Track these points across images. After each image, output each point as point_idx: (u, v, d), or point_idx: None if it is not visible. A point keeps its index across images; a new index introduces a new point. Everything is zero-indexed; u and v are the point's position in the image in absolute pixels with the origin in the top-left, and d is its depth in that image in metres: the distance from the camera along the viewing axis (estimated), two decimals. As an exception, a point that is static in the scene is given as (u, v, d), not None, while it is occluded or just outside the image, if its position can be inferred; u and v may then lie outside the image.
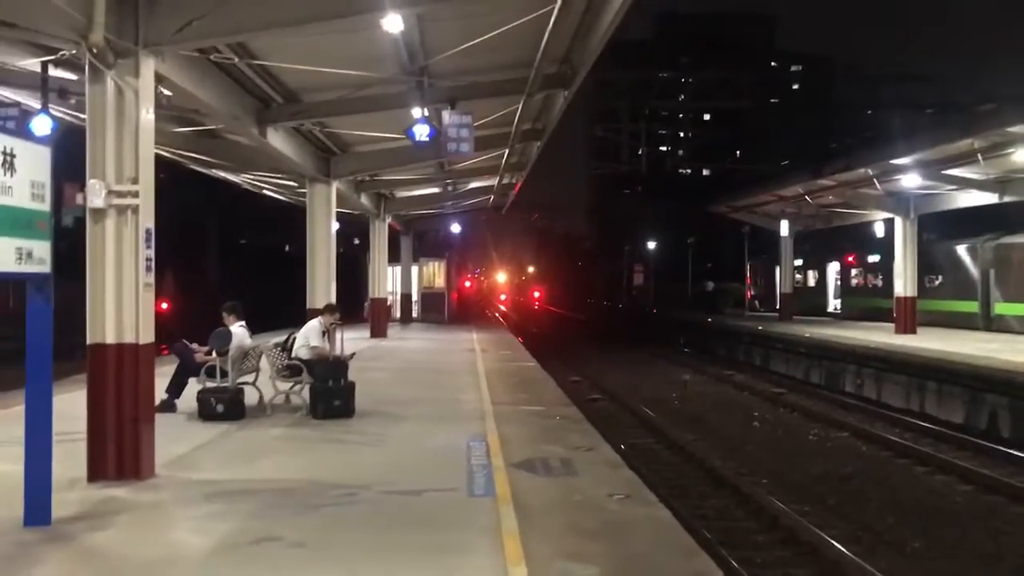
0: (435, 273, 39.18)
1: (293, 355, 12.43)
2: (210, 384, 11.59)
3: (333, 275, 18.67)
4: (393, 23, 9.61)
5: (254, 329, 14.53)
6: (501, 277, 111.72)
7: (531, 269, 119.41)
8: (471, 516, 7.01)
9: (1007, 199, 22.73)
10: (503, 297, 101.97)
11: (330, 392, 11.73)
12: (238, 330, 12.04)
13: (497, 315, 63.01)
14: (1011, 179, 21.97)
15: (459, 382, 15.99)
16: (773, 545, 9.89)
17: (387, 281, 30.65)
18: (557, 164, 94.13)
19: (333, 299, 18.57)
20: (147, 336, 8.05)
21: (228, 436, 10.38)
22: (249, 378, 12.35)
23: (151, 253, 8.11)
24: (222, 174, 22.50)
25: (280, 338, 13.37)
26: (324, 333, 12.72)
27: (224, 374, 11.64)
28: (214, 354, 11.68)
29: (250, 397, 12.02)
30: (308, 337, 12.46)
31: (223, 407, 11.36)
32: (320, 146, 18.22)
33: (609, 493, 7.82)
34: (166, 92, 9.91)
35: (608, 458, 9.57)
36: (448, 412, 12.36)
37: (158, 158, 8.85)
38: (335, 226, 19.87)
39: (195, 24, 8.05)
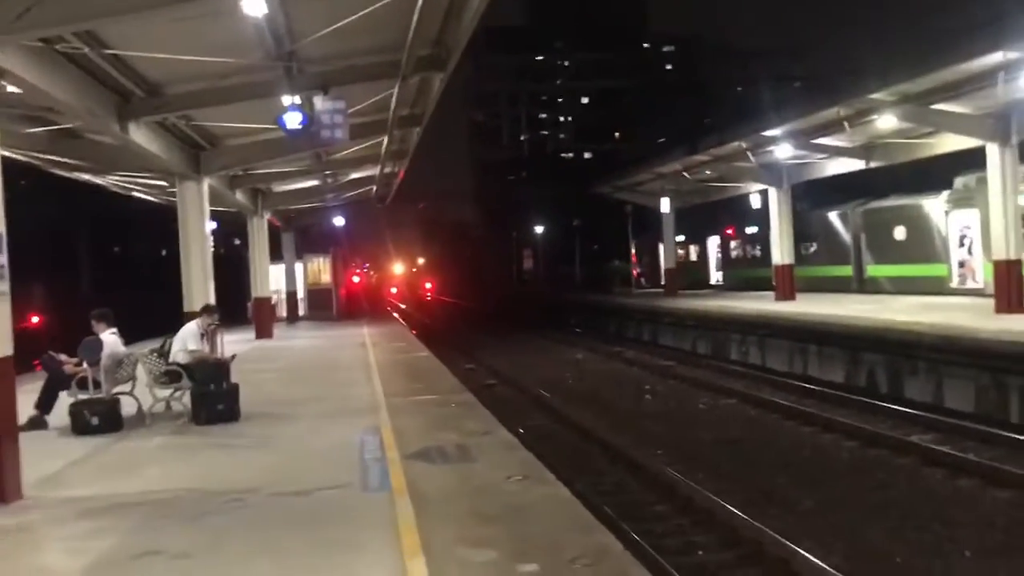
0: (321, 269, 38.33)
1: (171, 360, 11.85)
2: (82, 396, 10.93)
3: (210, 276, 17.93)
4: (254, 6, 9.20)
5: (134, 336, 13.87)
6: (391, 269, 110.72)
7: (421, 260, 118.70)
8: (366, 511, 6.78)
9: (873, 164, 23.66)
10: (394, 290, 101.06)
11: (212, 396, 11.23)
12: (109, 338, 11.40)
13: (389, 308, 62.31)
14: (875, 145, 22.88)
15: (350, 377, 15.61)
16: (672, 514, 9.98)
17: (270, 280, 29.74)
18: (441, 152, 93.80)
19: (212, 301, 17.89)
20: (4, 349, 7.48)
21: (105, 449, 9.81)
22: (125, 387, 11.70)
23: (4, 260, 7.52)
24: (86, 177, 21.32)
25: (156, 344, 12.71)
26: (203, 335, 12.16)
27: (97, 385, 11.01)
28: (85, 365, 11.02)
29: (128, 407, 11.40)
30: (185, 341, 11.89)
31: (98, 419, 10.73)
32: (188, 141, 17.43)
33: (507, 476, 7.69)
34: (10, 88, 9.22)
35: (505, 441, 9.46)
36: (339, 408, 12.02)
37: (12, 162, 8.25)
38: (210, 225, 19.10)
39: (34, 11, 7.47)
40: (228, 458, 9.18)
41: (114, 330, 11.59)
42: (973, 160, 21.10)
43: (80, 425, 10.68)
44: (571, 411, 16.48)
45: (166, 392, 11.89)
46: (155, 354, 12.01)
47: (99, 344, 11.13)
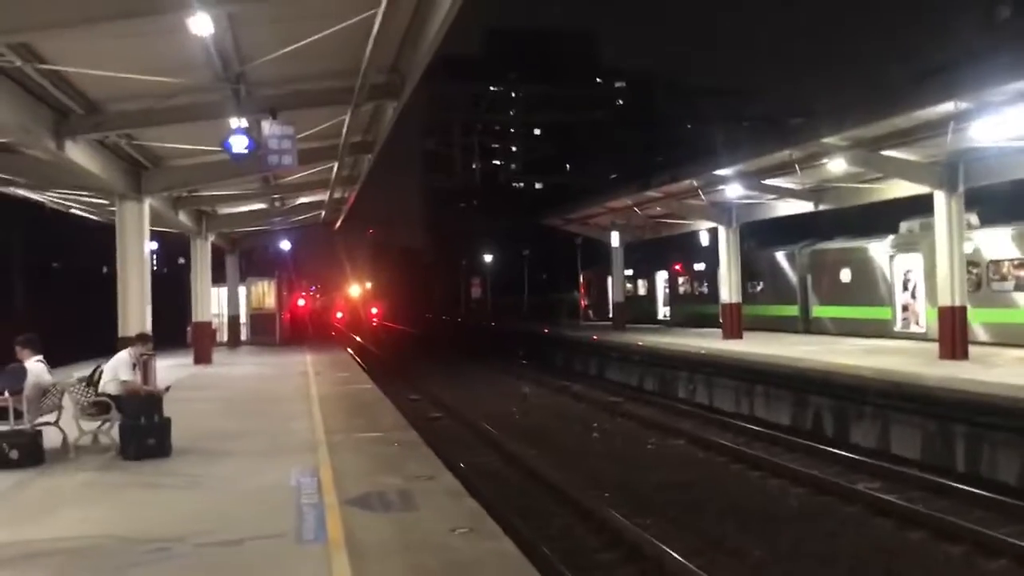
0: (265, 293, 37.50)
1: (100, 390, 11.25)
2: (2, 427, 10.28)
3: (148, 300, 17.24)
4: (201, 24, 8.82)
5: (67, 358, 13.21)
6: (337, 294, 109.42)
7: (369, 285, 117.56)
8: (298, 566, 6.36)
9: (822, 207, 23.89)
10: (339, 315, 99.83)
11: (143, 430, 10.67)
12: (35, 366, 10.77)
13: (334, 334, 61.38)
14: (825, 188, 23.10)
15: (290, 410, 15.05)
16: (619, 563, 9.70)
17: (212, 303, 28.95)
18: (392, 177, 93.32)
19: (148, 325, 17.24)
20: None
21: (23, 487, 9.21)
22: (50, 418, 11.06)
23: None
24: (23, 193, 20.50)
25: (85, 372, 12.08)
26: (135, 365, 11.58)
27: (19, 415, 10.37)
28: (6, 394, 10.37)
29: (53, 439, 10.78)
30: (117, 370, 11.31)
31: (18, 453, 10.13)
32: (130, 160, 16.82)
33: (451, 527, 7.31)
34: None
35: (449, 487, 9.06)
36: (277, 445, 11.50)
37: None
38: (150, 246, 18.46)
39: (-39, 21, 7.02)
40: (155, 499, 8.65)
41: (40, 357, 10.96)
42: (918, 205, 21.44)
43: (-2, 459, 10.05)
44: (517, 448, 16.14)
45: (94, 424, 11.29)
46: (84, 383, 11.40)
47: (23, 372, 10.53)
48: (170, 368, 22.31)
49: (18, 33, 8.27)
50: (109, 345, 17.49)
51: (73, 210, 23.85)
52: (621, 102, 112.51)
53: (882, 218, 25.24)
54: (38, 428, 10.60)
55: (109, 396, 11.14)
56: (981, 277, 21.05)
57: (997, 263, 20.97)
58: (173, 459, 10.55)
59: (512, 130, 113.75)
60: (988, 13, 49.82)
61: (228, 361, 26.93)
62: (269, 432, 12.63)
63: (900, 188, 20.41)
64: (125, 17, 7.95)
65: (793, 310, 28.86)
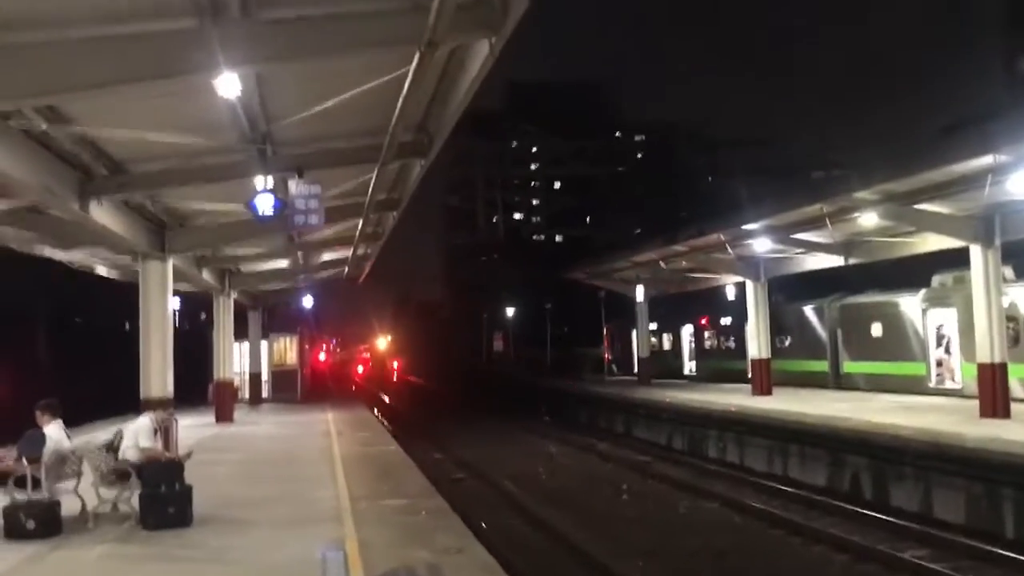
0: (286, 349, 37.31)
1: (120, 456, 10.94)
2: (19, 496, 9.98)
3: (170, 362, 17.03)
4: (229, 86, 8.67)
5: (89, 416, 12.94)
6: (358, 348, 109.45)
7: (390, 339, 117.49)
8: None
9: (852, 261, 23.48)
10: (360, 369, 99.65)
11: (163, 498, 10.33)
12: (54, 432, 10.49)
13: (354, 388, 61.09)
14: (855, 242, 22.71)
15: (313, 474, 14.68)
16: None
17: (234, 360, 28.76)
18: (414, 232, 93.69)
19: (170, 386, 17.04)
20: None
21: (37, 561, 8.87)
22: (69, 485, 10.75)
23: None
24: (47, 252, 20.50)
25: (106, 436, 11.78)
26: (156, 431, 11.29)
27: (37, 483, 10.06)
28: (25, 461, 10.09)
29: (71, 507, 10.45)
30: (138, 436, 11.00)
31: (34, 523, 9.79)
32: (154, 220, 16.74)
33: (485, 609, 6.90)
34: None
35: (480, 561, 8.65)
36: (301, 514, 11.12)
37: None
38: (173, 305, 18.31)
39: (-10, 84, 6.90)
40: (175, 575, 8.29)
41: (60, 423, 10.70)
42: (949, 258, 21.03)
43: (14, 528, 9.73)
44: (545, 512, 15.66)
45: (113, 492, 10.95)
46: (104, 449, 11.10)
47: (42, 439, 10.24)
48: (191, 428, 22.04)
49: (45, 96, 8.17)
50: (132, 403, 17.31)
51: (98, 269, 23.87)
52: (641, 155, 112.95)
53: (913, 271, 24.80)
54: (56, 499, 10.28)
55: (129, 463, 10.83)
56: (1019, 332, 20.52)
57: (1035, 317, 20.46)
58: (194, 529, 10.19)
59: (533, 183, 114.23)
60: (1010, 65, 49.76)
61: (250, 420, 26.63)
62: (293, 499, 12.26)
63: (933, 242, 20.02)
64: (153, 79, 7.83)
65: (823, 365, 28.28)
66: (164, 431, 11.67)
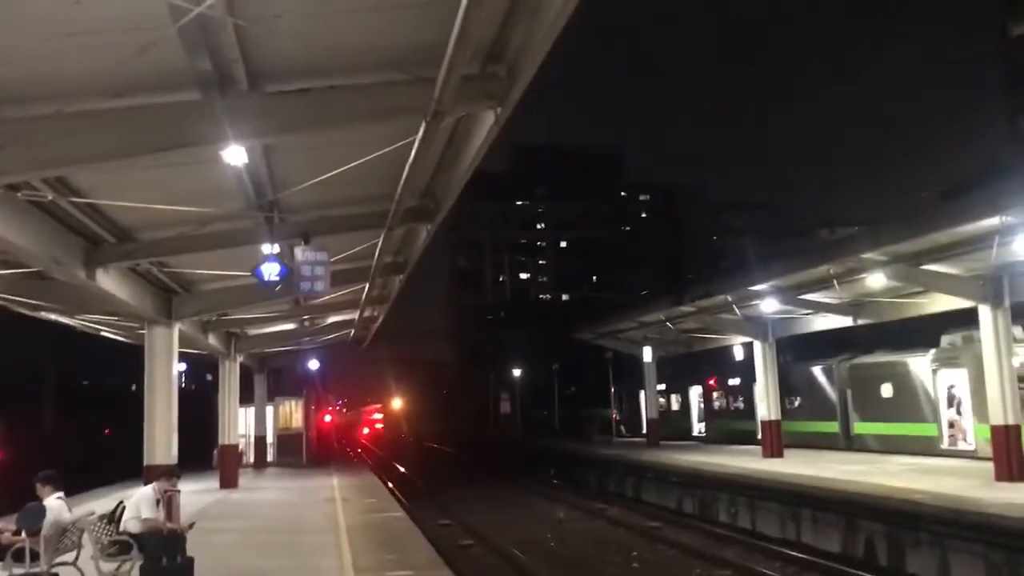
0: (292, 412, 37.08)
1: (121, 528, 10.75)
2: (17, 570, 9.77)
3: (174, 427, 16.89)
4: (236, 155, 8.73)
5: (95, 481, 12.73)
6: (364, 410, 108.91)
7: (396, 401, 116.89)
8: None
9: (860, 321, 23.38)
10: (366, 431, 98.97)
11: (164, 571, 10.14)
12: (54, 503, 10.31)
13: (360, 451, 60.58)
14: (863, 302, 22.65)
15: (318, 543, 14.41)
16: None
17: (239, 424, 28.55)
18: (421, 293, 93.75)
19: (175, 453, 16.86)
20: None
21: (33, 639, 8.64)
22: (68, 558, 10.54)
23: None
24: (54, 316, 20.51)
25: (107, 507, 11.61)
26: (159, 501, 11.10)
27: (35, 557, 9.86)
28: (23, 535, 9.91)
29: (69, 580, 10.23)
30: (139, 507, 10.82)
31: (32, 598, 9.57)
32: (160, 286, 16.75)
33: None
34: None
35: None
36: (305, 586, 10.91)
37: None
38: (178, 370, 18.22)
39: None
40: (174, 654, 8.06)
41: (60, 494, 10.53)
42: (958, 317, 20.91)
43: (12, 604, 9.52)
44: (555, 581, 15.35)
45: (113, 565, 10.73)
46: (105, 521, 10.92)
47: (42, 511, 10.06)
48: (195, 493, 21.80)
49: (52, 169, 8.22)
50: (136, 467, 17.10)
51: (103, 333, 23.85)
52: (646, 215, 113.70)
53: (922, 331, 24.64)
54: (54, 572, 10.07)
55: (130, 534, 10.63)
56: (1032, 392, 20.29)
57: (1047, 378, 20.23)
58: (195, 603, 9.97)
59: (540, 244, 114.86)
60: (1012, 124, 50.14)
61: (254, 485, 26.33)
62: (297, 570, 12.03)
63: (941, 302, 19.97)
64: (159, 151, 7.87)
65: (833, 426, 27.96)
66: (167, 501, 11.47)
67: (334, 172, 10.03)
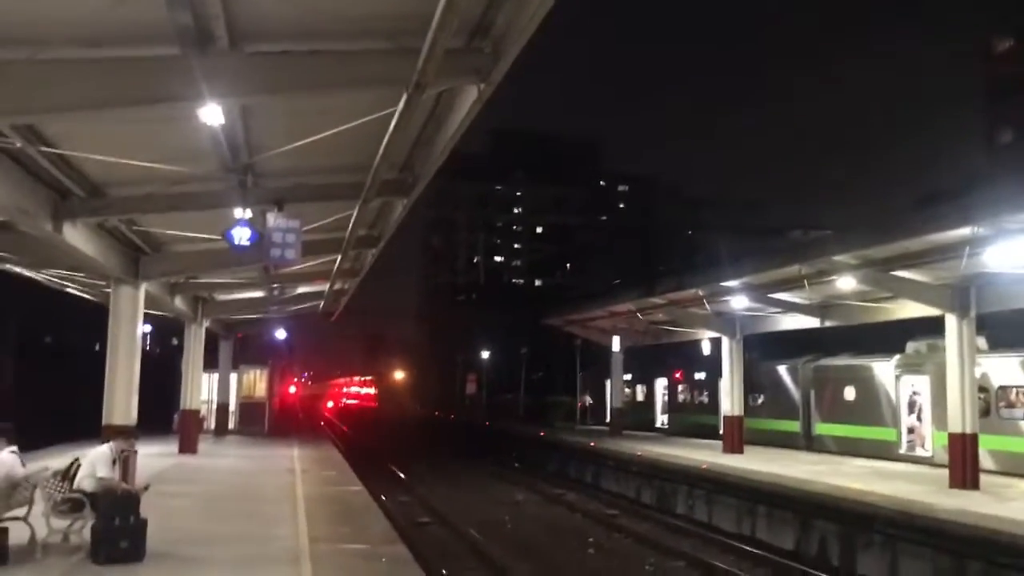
0: (256, 381, 36.83)
1: (75, 486, 10.61)
2: (-33, 524, 9.63)
3: (135, 389, 16.67)
4: (212, 115, 8.56)
5: (52, 439, 12.55)
6: (330, 383, 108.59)
7: (363, 377, 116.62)
8: None
9: (828, 323, 23.56)
10: (330, 404, 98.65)
11: (116, 531, 9.98)
12: (6, 457, 10.17)
13: (323, 424, 60.33)
14: (832, 304, 22.82)
15: (274, 512, 14.32)
16: None
17: (202, 390, 28.31)
18: (393, 269, 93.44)
19: (134, 414, 16.68)
20: None
21: (-21, 592, 8.52)
22: (19, 512, 10.38)
23: None
24: (17, 269, 20.14)
25: (61, 464, 11.43)
26: (115, 461, 10.98)
27: (-14, 510, 9.73)
28: (-27, 487, 9.76)
29: (20, 535, 10.08)
30: (95, 465, 10.68)
31: (-21, 552, 9.44)
32: (129, 244, 16.47)
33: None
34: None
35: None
36: (258, 553, 10.81)
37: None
38: (143, 331, 17.99)
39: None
40: (121, 615, 7.98)
41: (14, 448, 10.37)
42: (924, 325, 21.12)
43: (-42, 557, 9.38)
44: (509, 563, 15.37)
45: (65, 522, 10.61)
46: (59, 477, 10.76)
47: (-6, 464, 9.93)
48: (154, 457, 21.57)
49: (22, 115, 8.02)
50: (95, 427, 16.89)
51: (69, 289, 23.49)
52: (623, 206, 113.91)
53: (887, 336, 24.89)
54: (4, 524, 9.93)
55: (84, 493, 10.50)
56: (990, 403, 20.59)
57: (1006, 389, 20.54)
58: (146, 565, 9.84)
59: (516, 228, 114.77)
60: (989, 137, 50.72)
61: (214, 452, 26.13)
62: (251, 536, 11.93)
63: (909, 309, 20.10)
64: (134, 104, 7.72)
65: (795, 426, 28.23)
66: (123, 461, 11.34)
67: (312, 139, 9.89)
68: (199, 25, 7.36)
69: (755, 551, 17.00)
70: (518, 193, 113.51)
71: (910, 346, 24.25)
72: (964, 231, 14.40)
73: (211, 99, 7.96)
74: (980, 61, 53.97)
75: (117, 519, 10.08)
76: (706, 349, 33.38)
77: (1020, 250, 14.61)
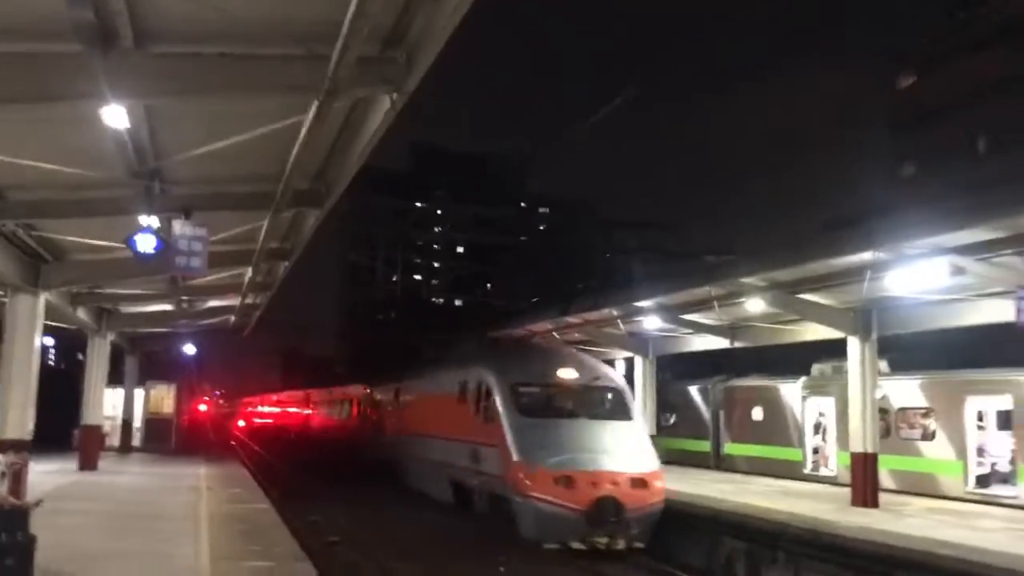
0: (163, 397, 35.76)
1: (-41, 501, 10.08)
2: None
3: (32, 402, 16.01)
4: (116, 117, 8.31)
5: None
6: (242, 401, 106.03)
7: (277, 396, 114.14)
8: None
9: (737, 344, 24.06)
10: (241, 424, 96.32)
11: (2, 548, 9.50)
12: None
13: (233, 443, 58.79)
14: (741, 326, 23.32)
15: (175, 530, 13.87)
16: None
17: (105, 406, 27.34)
18: (308, 285, 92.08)
19: (30, 427, 16.02)
20: None
21: None
22: None
23: None
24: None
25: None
26: (3, 474, 10.48)
27: None
28: None
29: None
30: (-19, 479, 10.21)
31: None
32: (28, 251, 15.82)
33: None
34: None
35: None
36: (156, 571, 10.46)
37: None
38: (42, 342, 17.30)
39: None
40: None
41: None
42: (830, 348, 21.72)
43: None
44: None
45: (-54, 539, 10.06)
46: (-59, 492, 10.23)
47: None
48: (52, 474, 20.73)
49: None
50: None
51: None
52: (544, 227, 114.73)
53: (796, 358, 25.52)
54: None
55: (-32, 508, 9.99)
56: (890, 424, 21.25)
57: (905, 411, 21.24)
58: (33, 584, 9.42)
59: (435, 246, 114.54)
60: (894, 168, 52.76)
61: (116, 469, 25.25)
62: (149, 555, 11.53)
63: (815, 331, 20.64)
64: (31, 101, 7.43)
65: (705, 445, 28.67)
66: (14, 475, 10.83)
67: (221, 143, 9.69)
68: (102, 22, 7.15)
69: (666, 568, 17.11)
70: (439, 211, 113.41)
71: (816, 368, 24.91)
72: (866, 255, 14.87)
73: (114, 99, 7.74)
74: (886, 93, 56.12)
75: (3, 535, 9.62)
76: (620, 369, 33.66)
77: (919, 275, 15.18)
